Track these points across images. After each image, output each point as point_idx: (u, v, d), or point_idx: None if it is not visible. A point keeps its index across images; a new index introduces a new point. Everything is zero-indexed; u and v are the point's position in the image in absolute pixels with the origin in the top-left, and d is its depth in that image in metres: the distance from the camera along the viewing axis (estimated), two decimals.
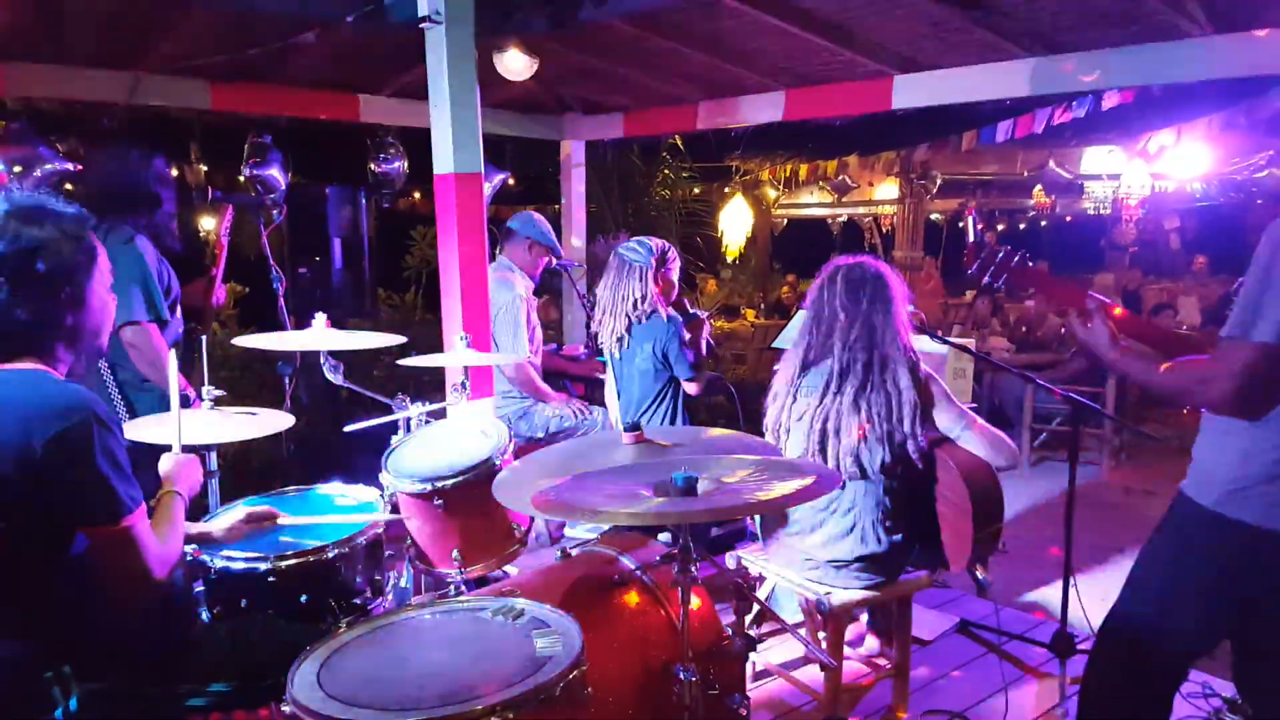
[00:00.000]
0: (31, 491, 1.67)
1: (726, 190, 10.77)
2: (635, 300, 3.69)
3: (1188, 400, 2.09)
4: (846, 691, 2.99)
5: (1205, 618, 2.08)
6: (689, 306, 3.94)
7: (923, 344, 3.01)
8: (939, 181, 10.14)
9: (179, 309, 3.40)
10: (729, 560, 3.08)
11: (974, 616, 3.65)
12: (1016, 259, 2.32)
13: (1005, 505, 2.80)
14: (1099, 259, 12.49)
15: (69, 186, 4.99)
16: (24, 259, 1.73)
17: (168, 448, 2.23)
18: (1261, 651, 2.13)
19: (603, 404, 4.59)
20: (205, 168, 8.27)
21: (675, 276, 3.86)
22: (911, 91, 4.33)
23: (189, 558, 2.20)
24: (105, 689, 1.77)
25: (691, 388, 3.75)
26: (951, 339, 3.92)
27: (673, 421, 3.79)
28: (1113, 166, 9.70)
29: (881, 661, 3.18)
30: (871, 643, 3.29)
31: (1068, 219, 14.70)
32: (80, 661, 1.74)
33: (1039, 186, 11.52)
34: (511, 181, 8.82)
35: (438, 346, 3.43)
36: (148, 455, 2.21)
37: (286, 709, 1.56)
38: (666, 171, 8.98)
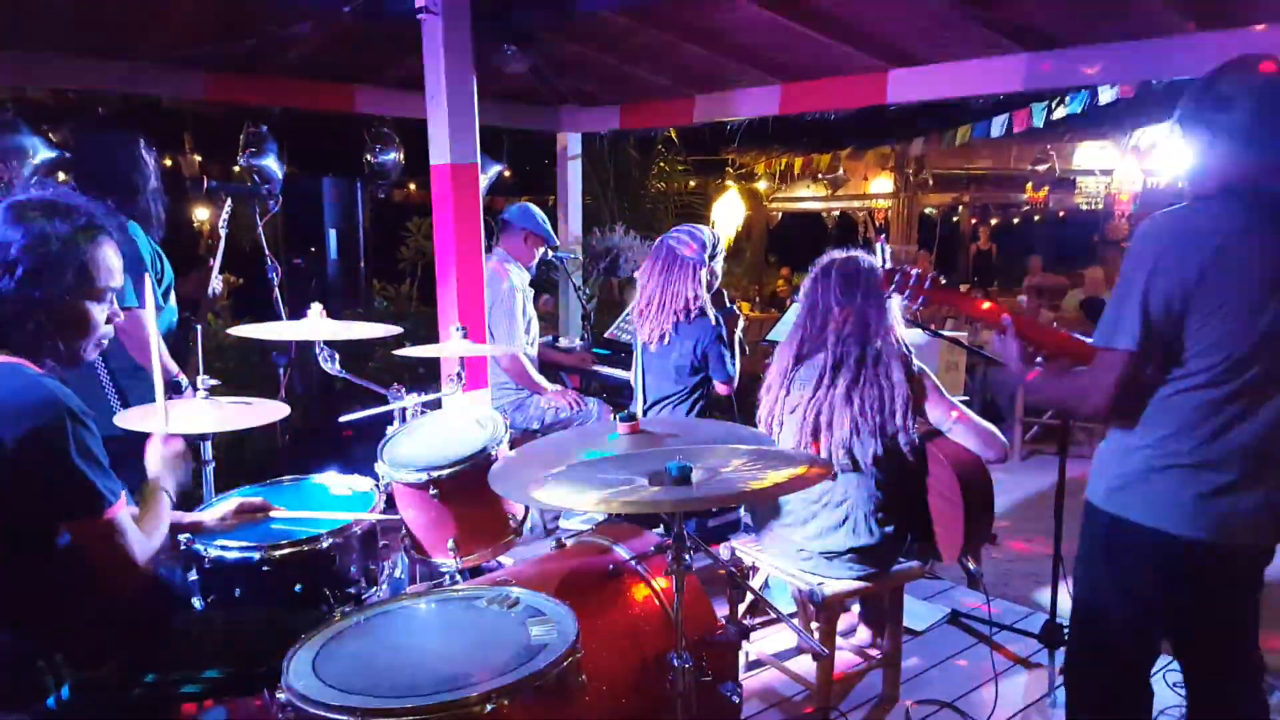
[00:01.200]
0: (7, 487, 1.66)
1: (721, 186, 10.77)
2: (687, 299, 3.61)
3: (1077, 413, 2.13)
4: (838, 681, 3.01)
5: (1129, 617, 2.06)
6: (726, 300, 3.90)
7: (915, 337, 3.03)
8: (931, 179, 10.17)
9: (173, 296, 3.40)
10: (723, 551, 3.10)
11: (965, 607, 3.68)
12: (929, 280, 2.34)
13: (996, 498, 2.83)
14: (1091, 254, 12.51)
15: (61, 176, 4.95)
16: (13, 251, 1.72)
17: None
18: (1186, 646, 2.14)
19: (598, 395, 4.60)
20: (200, 158, 8.24)
21: (720, 267, 3.81)
22: (906, 86, 4.34)
23: (182, 546, 2.21)
24: (98, 677, 1.78)
25: (723, 389, 3.73)
26: (944, 332, 3.94)
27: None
28: (1105, 162, 9.73)
29: (873, 652, 3.20)
30: (863, 633, 3.31)
31: (1061, 214, 14.72)
32: (72, 650, 1.75)
33: (1031, 182, 11.55)
34: (507, 173, 8.81)
35: (433, 338, 3.44)
36: (139, 444, 2.20)
37: (282, 696, 1.57)
38: (662, 164, 8.98)
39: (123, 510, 1.76)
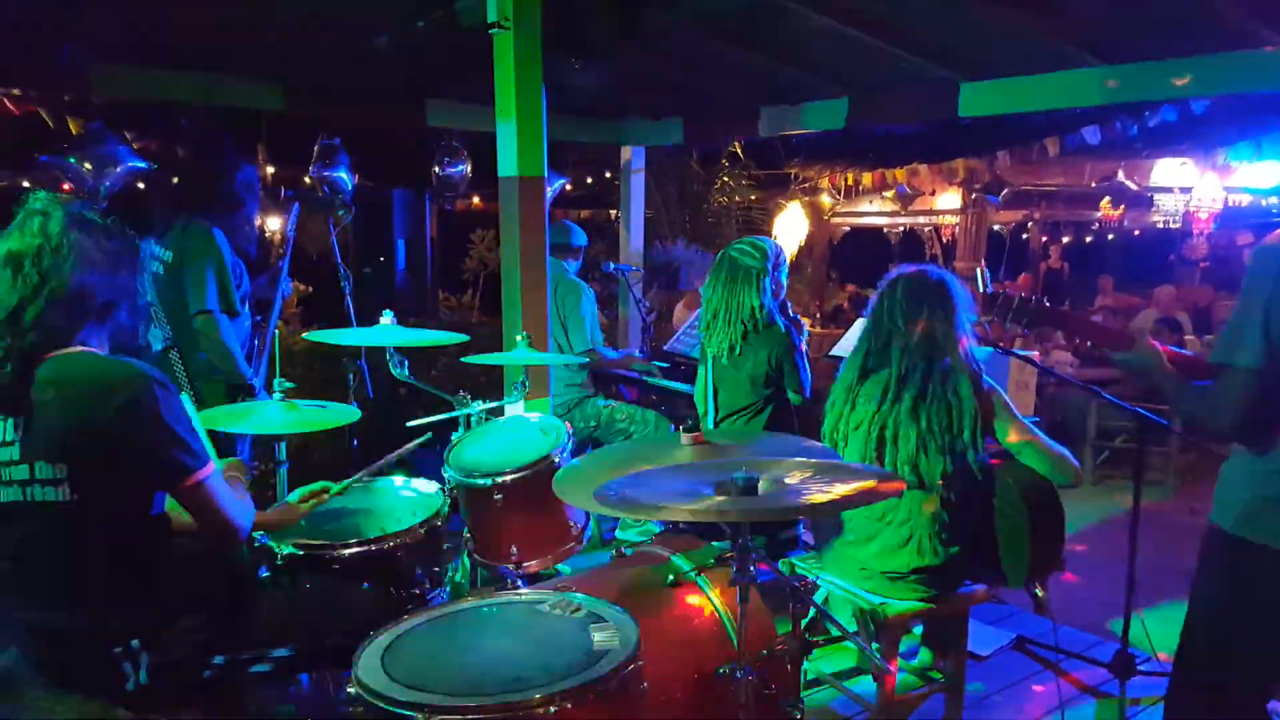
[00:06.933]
0: (106, 457, 1.76)
1: (783, 201, 10.70)
2: (752, 308, 3.59)
3: (1203, 427, 2.05)
4: (898, 703, 2.95)
5: (1260, 646, 1.99)
6: (790, 310, 3.86)
7: (984, 355, 2.97)
8: (1004, 192, 9.97)
9: (248, 305, 3.52)
10: (783, 566, 3.07)
11: (1031, 633, 3.59)
12: (1034, 302, 2.28)
13: (1066, 522, 2.75)
14: (1167, 274, 12.14)
15: (141, 185, 5.15)
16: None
17: (235, 438, 2.29)
18: None
19: (656, 409, 4.61)
20: (272, 168, 8.47)
21: (784, 279, 3.78)
22: (979, 99, 4.27)
23: (257, 543, 2.27)
24: (172, 660, 1.85)
25: (797, 399, 3.69)
26: (1015, 351, 3.85)
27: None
28: (1184, 179, 9.44)
29: (935, 675, 3.14)
30: (925, 655, 3.24)
31: (1136, 232, 14.32)
32: (148, 636, 1.82)
33: (1106, 199, 11.25)
34: (569, 186, 8.89)
35: (494, 347, 3.47)
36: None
37: (352, 689, 1.61)
38: (725, 178, 8.97)
39: (216, 473, 1.86)
